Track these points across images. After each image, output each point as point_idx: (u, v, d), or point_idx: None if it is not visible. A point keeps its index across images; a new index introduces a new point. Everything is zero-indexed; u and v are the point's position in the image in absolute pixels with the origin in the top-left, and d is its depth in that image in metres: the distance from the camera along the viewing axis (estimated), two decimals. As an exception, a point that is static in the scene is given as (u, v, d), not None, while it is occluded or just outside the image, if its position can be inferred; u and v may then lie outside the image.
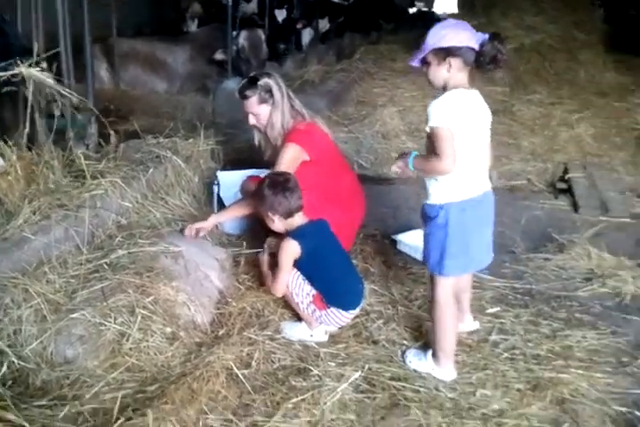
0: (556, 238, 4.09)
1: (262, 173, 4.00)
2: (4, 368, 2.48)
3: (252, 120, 3.72)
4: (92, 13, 4.44)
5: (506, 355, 2.94)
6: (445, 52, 2.60)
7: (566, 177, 5.13)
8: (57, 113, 4.06)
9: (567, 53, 8.27)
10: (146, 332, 2.66)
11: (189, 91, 7.49)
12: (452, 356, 2.84)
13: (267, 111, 3.65)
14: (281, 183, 3.04)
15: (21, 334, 2.60)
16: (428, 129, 2.61)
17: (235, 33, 7.16)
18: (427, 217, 2.77)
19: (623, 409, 2.61)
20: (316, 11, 9.54)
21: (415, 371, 2.82)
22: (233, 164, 4.68)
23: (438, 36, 2.60)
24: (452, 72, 2.63)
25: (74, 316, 2.64)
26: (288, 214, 3.06)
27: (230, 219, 3.75)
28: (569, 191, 4.96)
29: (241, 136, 5.27)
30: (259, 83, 3.63)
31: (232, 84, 7.08)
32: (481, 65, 2.62)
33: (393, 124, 6.12)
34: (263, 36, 7.22)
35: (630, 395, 2.71)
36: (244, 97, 3.66)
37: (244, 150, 4.94)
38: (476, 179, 2.70)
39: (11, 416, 2.22)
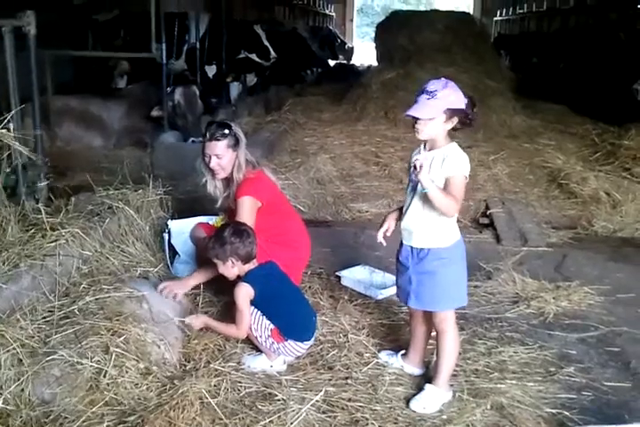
0: (483, 267, 4.47)
1: (210, 219, 4.27)
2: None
3: (214, 162, 3.77)
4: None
5: (448, 372, 3.25)
6: (454, 112, 2.85)
7: (488, 213, 5.57)
8: (7, 170, 4.27)
9: (480, 101, 8.80)
10: (121, 368, 2.84)
11: (126, 145, 7.63)
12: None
13: (231, 156, 3.76)
14: (244, 231, 3.34)
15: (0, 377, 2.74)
16: (446, 177, 2.90)
17: (169, 89, 7.47)
18: (436, 260, 2.97)
19: (554, 411, 2.95)
20: (242, 66, 10.01)
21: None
22: (179, 213, 4.90)
23: (451, 98, 2.82)
24: (447, 128, 2.90)
25: (50, 358, 2.80)
26: (247, 260, 3.34)
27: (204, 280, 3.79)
28: (491, 225, 5.39)
29: (182, 187, 5.53)
30: (233, 129, 3.78)
31: (169, 137, 7.36)
32: (466, 125, 2.93)
33: (326, 171, 6.52)
34: (197, 92, 7.55)
35: (559, 399, 3.06)
36: (216, 139, 3.73)
37: (186, 201, 5.17)
38: None
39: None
